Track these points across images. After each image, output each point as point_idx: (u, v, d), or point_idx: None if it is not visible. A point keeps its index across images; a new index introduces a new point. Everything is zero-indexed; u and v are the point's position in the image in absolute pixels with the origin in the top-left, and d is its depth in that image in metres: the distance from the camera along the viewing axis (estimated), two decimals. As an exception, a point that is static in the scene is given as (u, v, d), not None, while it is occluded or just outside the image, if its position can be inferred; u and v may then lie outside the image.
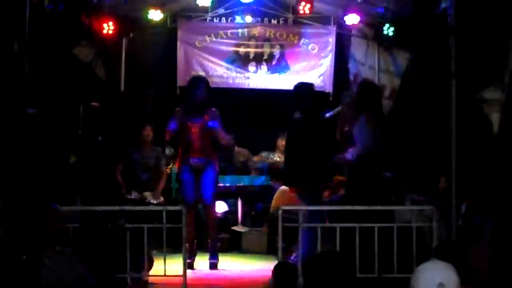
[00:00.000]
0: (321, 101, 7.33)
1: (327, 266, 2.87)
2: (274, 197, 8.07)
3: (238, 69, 9.17)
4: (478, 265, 4.28)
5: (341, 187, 8.23)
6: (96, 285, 4.35)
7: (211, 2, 8.64)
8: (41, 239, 4.13)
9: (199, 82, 7.18)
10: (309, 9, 8.42)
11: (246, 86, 9.25)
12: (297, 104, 6.87)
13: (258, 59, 9.17)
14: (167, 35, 9.14)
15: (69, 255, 4.26)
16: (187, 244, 6.40)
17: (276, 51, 9.19)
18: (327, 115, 7.15)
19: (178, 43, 9.04)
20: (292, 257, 6.73)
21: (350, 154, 6.85)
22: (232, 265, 7.36)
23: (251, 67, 9.19)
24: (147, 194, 8.13)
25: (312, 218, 6.62)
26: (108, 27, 8.41)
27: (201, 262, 7.12)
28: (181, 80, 8.99)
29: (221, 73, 9.15)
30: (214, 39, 9.09)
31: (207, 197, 7.07)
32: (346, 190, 6.96)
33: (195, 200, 7.12)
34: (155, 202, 8.01)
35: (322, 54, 9.14)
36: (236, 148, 9.21)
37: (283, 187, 7.79)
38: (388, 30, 8.54)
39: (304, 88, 7.01)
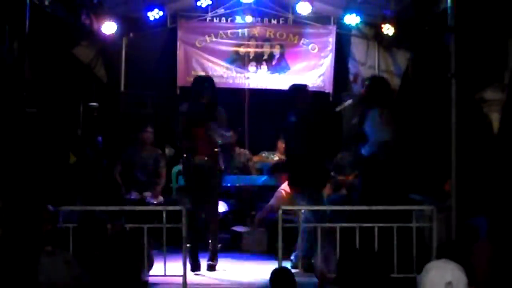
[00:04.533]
0: (317, 101, 7.32)
1: (362, 264, 2.88)
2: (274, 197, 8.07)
3: (238, 69, 9.16)
4: (478, 265, 4.28)
5: (341, 187, 8.25)
6: (92, 285, 4.35)
7: (211, 2, 8.65)
8: (38, 239, 4.13)
9: (206, 82, 7.16)
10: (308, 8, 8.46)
11: (246, 86, 9.25)
12: (291, 107, 6.93)
13: (258, 59, 9.17)
14: (167, 35, 9.14)
15: (62, 255, 4.25)
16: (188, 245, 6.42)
17: (276, 51, 9.18)
18: (337, 109, 7.18)
19: (178, 43, 9.03)
20: (292, 257, 6.74)
21: (364, 151, 6.89)
22: (232, 265, 7.36)
23: (251, 67, 9.19)
24: (147, 194, 8.14)
25: (312, 219, 6.65)
26: (108, 27, 8.41)
27: (201, 262, 7.11)
28: (181, 80, 8.99)
29: (221, 73, 9.15)
30: (214, 39, 9.09)
31: (211, 198, 7.03)
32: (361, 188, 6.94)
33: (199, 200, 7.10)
34: (154, 202, 8.03)
35: (322, 54, 9.14)
36: (237, 149, 9.22)
37: (282, 188, 7.80)
38: (388, 30, 8.54)
39: (298, 90, 7.05)
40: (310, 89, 7.42)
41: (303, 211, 6.57)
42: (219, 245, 7.30)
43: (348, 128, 7.57)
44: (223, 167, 7.13)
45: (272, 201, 7.88)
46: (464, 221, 6.65)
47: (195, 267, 6.71)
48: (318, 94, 9.20)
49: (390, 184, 6.64)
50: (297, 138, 6.81)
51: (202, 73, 8.99)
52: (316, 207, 6.74)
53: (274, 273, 4.59)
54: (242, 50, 9.14)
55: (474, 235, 5.73)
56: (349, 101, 7.28)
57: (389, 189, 6.60)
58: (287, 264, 6.25)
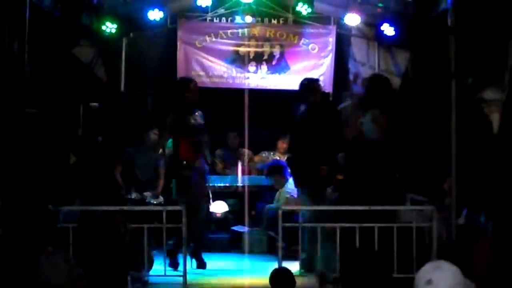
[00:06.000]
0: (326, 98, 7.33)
1: (365, 264, 2.88)
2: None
3: (238, 69, 9.16)
4: (479, 265, 4.28)
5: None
6: (92, 285, 4.35)
7: (211, 2, 8.65)
8: (38, 238, 4.13)
9: (191, 83, 7.26)
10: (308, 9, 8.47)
11: (246, 86, 9.24)
12: (302, 101, 6.97)
13: (258, 59, 9.16)
14: (167, 35, 9.13)
15: (62, 255, 4.25)
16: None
17: (276, 51, 9.18)
18: (340, 106, 7.19)
19: (178, 43, 9.03)
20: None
21: None
22: (232, 265, 7.36)
23: (251, 67, 9.18)
24: (147, 194, 8.13)
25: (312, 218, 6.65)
26: (108, 27, 8.41)
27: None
28: (181, 80, 8.98)
29: (221, 73, 9.14)
30: (214, 39, 9.08)
31: (204, 197, 7.11)
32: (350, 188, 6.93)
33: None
34: (155, 202, 8.02)
35: (322, 54, 9.13)
36: (240, 149, 9.23)
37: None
38: (388, 30, 8.54)
39: (310, 85, 7.09)
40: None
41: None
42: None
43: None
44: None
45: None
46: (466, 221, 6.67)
47: (174, 265, 6.72)
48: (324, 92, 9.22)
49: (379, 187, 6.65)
50: (307, 132, 6.85)
51: (202, 73, 9.01)
52: (315, 207, 6.74)
53: (274, 272, 4.60)
54: (242, 50, 9.13)
55: (474, 235, 5.73)
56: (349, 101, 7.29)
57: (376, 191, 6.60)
58: (288, 264, 6.23)
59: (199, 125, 7.17)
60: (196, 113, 7.22)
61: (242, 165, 9.11)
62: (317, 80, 7.44)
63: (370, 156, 6.51)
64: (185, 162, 7.06)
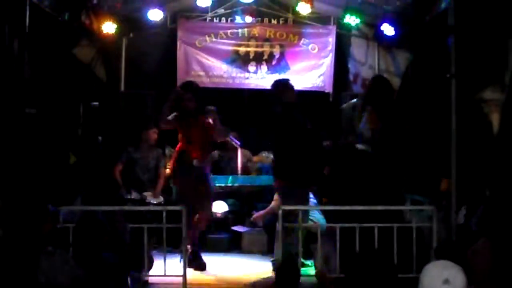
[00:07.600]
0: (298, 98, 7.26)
1: (369, 264, 2.88)
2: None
3: (238, 69, 9.16)
4: (478, 265, 4.28)
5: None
6: (92, 285, 4.35)
7: (211, 2, 8.66)
8: (38, 239, 4.13)
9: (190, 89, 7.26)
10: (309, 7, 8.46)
11: (246, 86, 9.25)
12: (276, 102, 6.97)
13: (258, 59, 9.18)
14: (167, 35, 9.15)
15: (62, 256, 4.25)
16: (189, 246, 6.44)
17: (276, 51, 9.19)
18: (344, 106, 7.18)
19: (178, 43, 9.04)
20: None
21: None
22: (232, 265, 7.36)
23: (251, 67, 9.19)
24: (147, 194, 8.13)
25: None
26: (108, 27, 8.41)
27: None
28: (181, 80, 8.99)
29: (221, 73, 9.15)
30: (214, 39, 9.10)
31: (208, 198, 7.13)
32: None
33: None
34: (155, 202, 8.02)
35: (322, 54, 9.14)
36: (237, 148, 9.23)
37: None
38: (388, 30, 8.54)
39: (282, 84, 7.08)
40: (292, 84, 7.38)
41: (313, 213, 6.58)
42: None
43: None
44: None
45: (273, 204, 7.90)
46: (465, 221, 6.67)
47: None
48: (318, 94, 9.23)
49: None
50: (283, 132, 6.86)
51: (202, 73, 9.02)
52: (316, 207, 6.74)
53: (280, 264, 4.60)
54: (242, 50, 9.14)
55: (473, 235, 5.73)
56: (355, 100, 7.27)
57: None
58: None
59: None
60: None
61: (241, 165, 9.12)
62: (287, 80, 7.35)
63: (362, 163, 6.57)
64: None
